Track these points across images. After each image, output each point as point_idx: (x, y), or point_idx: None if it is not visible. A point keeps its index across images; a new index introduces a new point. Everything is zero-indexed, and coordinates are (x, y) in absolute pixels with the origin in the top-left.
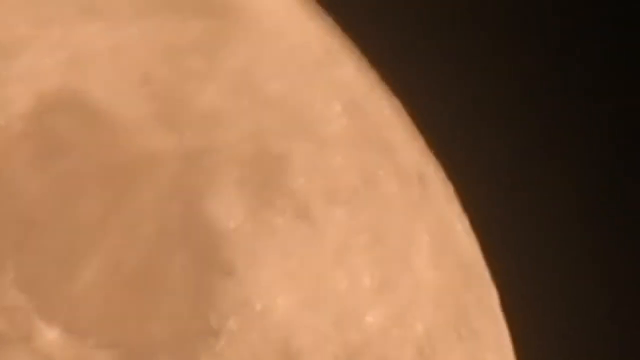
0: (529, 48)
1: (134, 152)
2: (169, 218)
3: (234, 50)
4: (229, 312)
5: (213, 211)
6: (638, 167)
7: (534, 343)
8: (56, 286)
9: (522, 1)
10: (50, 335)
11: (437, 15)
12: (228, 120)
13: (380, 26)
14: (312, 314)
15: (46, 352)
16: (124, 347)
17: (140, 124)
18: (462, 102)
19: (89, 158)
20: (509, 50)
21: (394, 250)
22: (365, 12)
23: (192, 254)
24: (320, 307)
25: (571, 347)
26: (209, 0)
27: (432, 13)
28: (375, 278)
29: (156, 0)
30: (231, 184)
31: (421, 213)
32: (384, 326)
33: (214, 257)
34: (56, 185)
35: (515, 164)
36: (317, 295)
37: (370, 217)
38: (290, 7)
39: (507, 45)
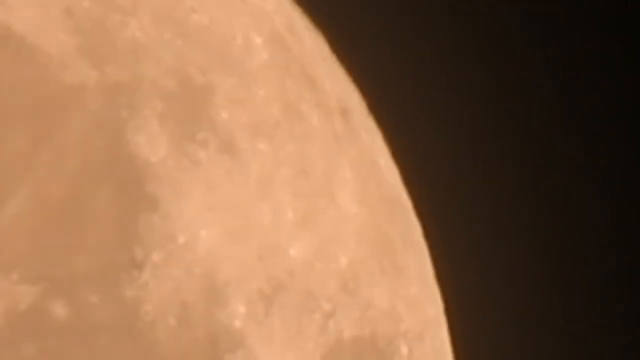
0: None
1: (58, 86)
2: (94, 152)
3: None
4: (153, 245)
5: (137, 144)
6: None
7: (458, 276)
8: None
9: None
10: None
11: None
12: (151, 53)
13: None
14: (236, 247)
15: None
16: (47, 281)
17: (64, 57)
18: (384, 32)
19: (13, 92)
20: None
21: (317, 184)
22: None
23: (117, 187)
24: (244, 241)
25: (496, 276)
26: None
27: None
28: (299, 212)
29: None
30: (154, 118)
31: (344, 147)
32: (308, 260)
33: (138, 190)
34: None
35: (438, 96)
36: (241, 228)
37: (293, 150)
38: None
39: None
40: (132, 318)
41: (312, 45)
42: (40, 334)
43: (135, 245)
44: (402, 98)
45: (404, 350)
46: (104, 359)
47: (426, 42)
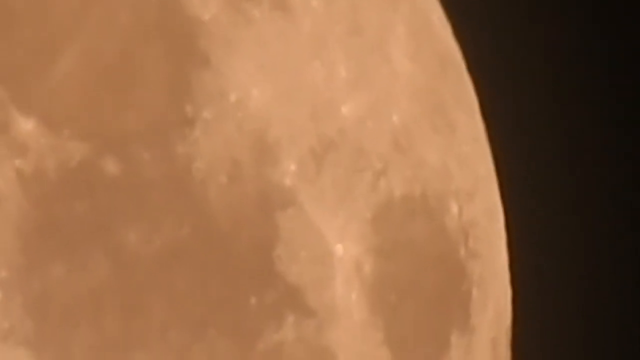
0: None
1: None
2: (145, 8)
3: None
4: (204, 102)
5: (189, 1)
6: None
7: (509, 135)
8: (32, 78)
9: None
10: (26, 125)
11: None
12: None
13: None
14: (288, 105)
15: (22, 142)
16: (98, 138)
17: None
18: None
19: None
20: None
21: (370, 41)
22: None
23: (168, 44)
24: (296, 99)
25: (548, 136)
26: None
27: None
28: (352, 69)
29: None
30: None
31: (397, 3)
32: (360, 118)
33: (190, 47)
34: None
35: None
36: (293, 86)
37: (347, 7)
38: None
39: None
40: (183, 174)
41: None
42: (91, 189)
43: (187, 102)
44: None
45: (455, 209)
46: (154, 215)
47: None
